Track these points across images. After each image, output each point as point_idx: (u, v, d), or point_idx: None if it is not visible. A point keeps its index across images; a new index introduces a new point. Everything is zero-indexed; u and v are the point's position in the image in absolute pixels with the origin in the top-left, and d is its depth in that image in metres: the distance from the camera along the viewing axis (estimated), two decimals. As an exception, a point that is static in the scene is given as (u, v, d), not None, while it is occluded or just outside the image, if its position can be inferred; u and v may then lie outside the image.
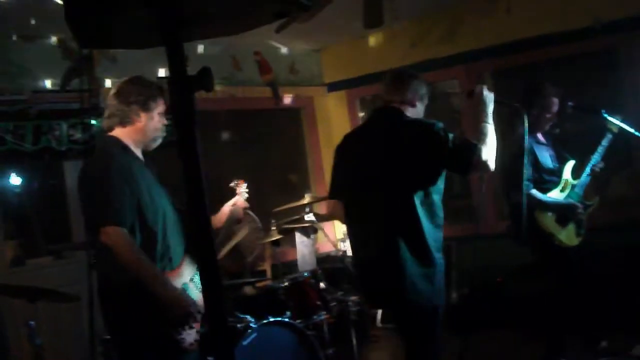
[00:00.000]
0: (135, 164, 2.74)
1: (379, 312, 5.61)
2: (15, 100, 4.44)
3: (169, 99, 2.71)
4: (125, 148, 2.75)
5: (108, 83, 4.75)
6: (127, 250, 2.52)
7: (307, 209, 4.67)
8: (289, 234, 5.23)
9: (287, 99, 6.22)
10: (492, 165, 2.93)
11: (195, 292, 2.75)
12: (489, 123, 3.00)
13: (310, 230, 5.18)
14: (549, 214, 3.95)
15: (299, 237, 5.40)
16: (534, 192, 3.93)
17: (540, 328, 4.07)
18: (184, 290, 2.70)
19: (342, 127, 6.63)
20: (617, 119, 4.01)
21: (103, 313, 2.70)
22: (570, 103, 4.05)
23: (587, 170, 4.06)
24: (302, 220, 4.74)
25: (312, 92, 6.58)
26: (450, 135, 2.98)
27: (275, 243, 4.99)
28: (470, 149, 2.91)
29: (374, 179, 3.12)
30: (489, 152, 2.92)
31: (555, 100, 4.07)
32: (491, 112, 3.03)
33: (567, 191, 4.06)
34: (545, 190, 4.00)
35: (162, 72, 4.98)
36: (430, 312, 3.06)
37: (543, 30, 5.27)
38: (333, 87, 6.66)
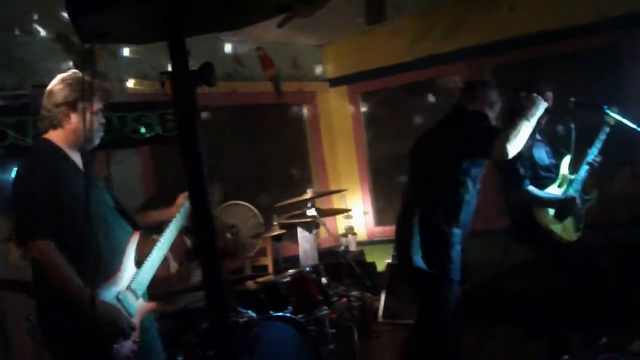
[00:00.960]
0: (68, 169, 2.61)
1: (381, 307, 5.61)
2: (17, 95, 4.43)
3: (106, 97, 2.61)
4: (57, 152, 2.61)
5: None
6: (53, 265, 2.41)
7: (309, 204, 4.67)
8: (290, 229, 5.24)
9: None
10: (510, 153, 3.16)
11: (132, 301, 2.61)
12: (529, 121, 3.29)
13: (312, 225, 5.18)
14: (547, 209, 3.93)
15: (300, 232, 5.40)
16: (531, 188, 3.91)
17: (541, 325, 4.06)
18: (119, 301, 2.57)
19: (344, 122, 6.66)
20: (619, 115, 3.99)
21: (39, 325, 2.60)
22: (572, 99, 4.03)
23: (585, 164, 4.04)
24: (304, 215, 4.74)
25: (314, 87, 6.58)
26: (482, 121, 3.37)
27: (277, 238, 5.00)
28: (494, 132, 3.24)
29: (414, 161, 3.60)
30: (513, 142, 3.16)
31: (550, 96, 4.04)
32: (538, 114, 3.35)
33: (565, 186, 4.04)
34: (542, 187, 3.97)
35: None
36: (435, 281, 3.31)
37: (545, 26, 5.26)
38: (335, 82, 6.65)
